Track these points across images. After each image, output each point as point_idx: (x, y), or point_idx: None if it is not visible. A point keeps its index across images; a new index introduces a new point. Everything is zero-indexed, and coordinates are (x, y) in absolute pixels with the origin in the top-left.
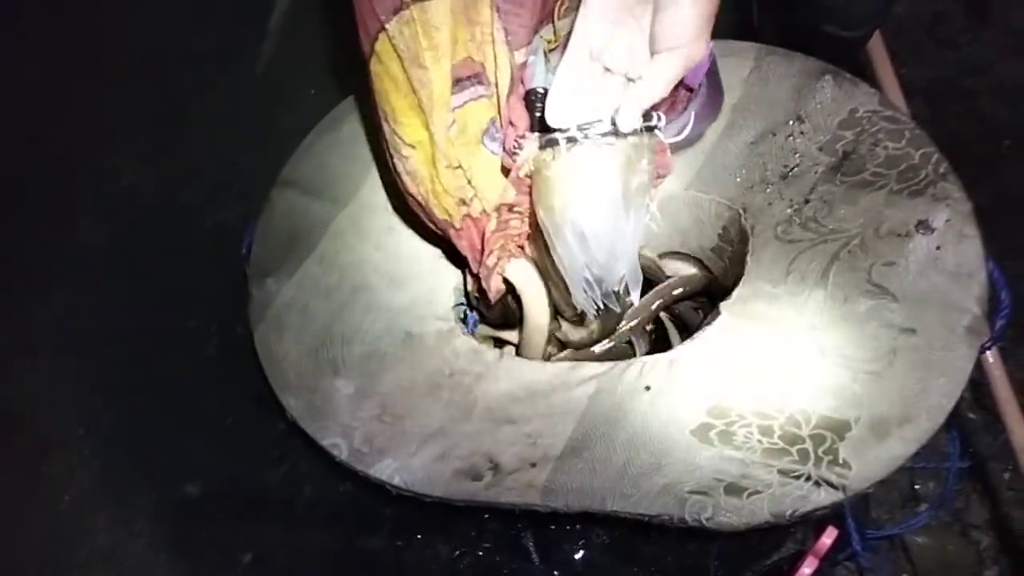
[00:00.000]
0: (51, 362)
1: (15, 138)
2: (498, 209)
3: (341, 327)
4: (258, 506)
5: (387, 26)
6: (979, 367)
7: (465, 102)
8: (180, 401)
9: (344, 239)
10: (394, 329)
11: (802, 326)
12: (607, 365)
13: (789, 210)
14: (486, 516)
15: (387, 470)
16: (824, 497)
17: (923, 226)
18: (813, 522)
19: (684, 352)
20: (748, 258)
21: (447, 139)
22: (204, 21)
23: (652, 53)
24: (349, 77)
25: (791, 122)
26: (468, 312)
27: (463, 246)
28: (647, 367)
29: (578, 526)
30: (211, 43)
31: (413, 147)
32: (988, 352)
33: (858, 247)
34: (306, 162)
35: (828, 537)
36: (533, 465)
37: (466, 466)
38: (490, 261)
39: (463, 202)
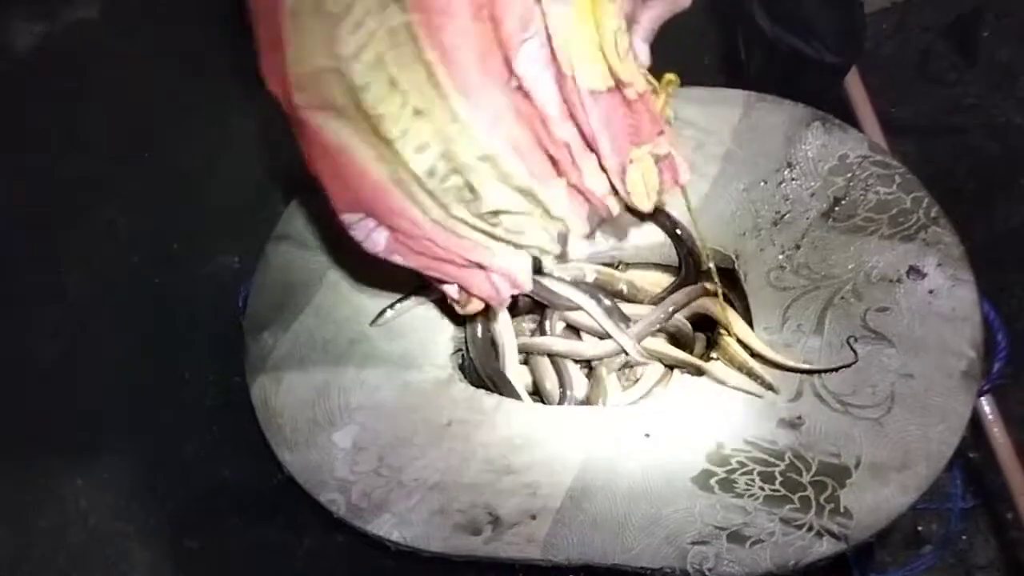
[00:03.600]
0: (48, 410)
1: (8, 188)
2: None
3: (338, 379)
4: (258, 559)
5: None
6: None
7: None
8: (177, 453)
9: (339, 291)
10: (391, 379)
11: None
12: (606, 410)
13: (781, 256)
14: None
15: (385, 525)
16: (827, 548)
17: (915, 271)
18: (819, 570)
19: (683, 398)
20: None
21: None
22: (202, 74)
23: None
24: None
25: (782, 169)
26: None
27: None
28: (646, 414)
29: None
30: (208, 97)
31: None
32: (982, 397)
33: (851, 293)
34: (301, 216)
35: None
36: (533, 517)
37: (465, 520)
38: None
39: None
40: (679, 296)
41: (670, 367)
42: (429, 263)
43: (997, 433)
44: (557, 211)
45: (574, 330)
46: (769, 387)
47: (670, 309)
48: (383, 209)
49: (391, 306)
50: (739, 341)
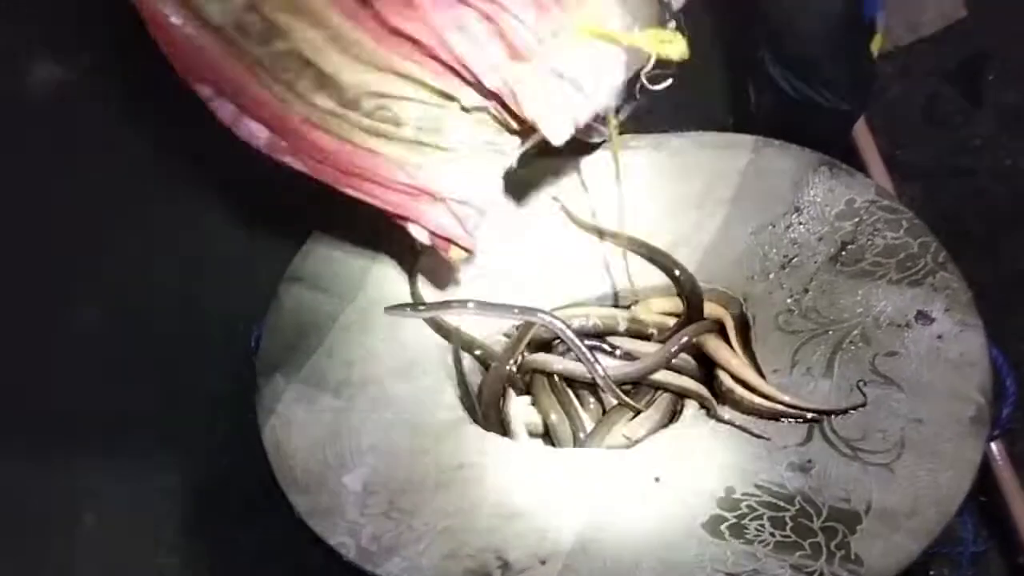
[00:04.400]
0: (54, 448)
1: (19, 221)
2: None
3: (349, 421)
4: None
5: None
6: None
7: None
8: (186, 493)
9: (351, 333)
10: (402, 421)
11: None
12: (616, 454)
13: (790, 299)
14: None
15: (395, 569)
16: None
17: (923, 316)
18: None
19: (692, 441)
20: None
21: None
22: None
23: None
24: None
25: (789, 213)
26: None
27: None
28: (656, 456)
29: None
30: (221, 135)
31: None
32: (992, 443)
33: (860, 337)
34: (313, 257)
35: None
36: (543, 562)
37: (475, 565)
38: None
39: None
40: (683, 335)
41: (678, 395)
42: (344, 179)
43: (1008, 477)
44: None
45: None
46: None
47: (673, 349)
48: (244, 95)
49: (413, 307)
50: (739, 380)
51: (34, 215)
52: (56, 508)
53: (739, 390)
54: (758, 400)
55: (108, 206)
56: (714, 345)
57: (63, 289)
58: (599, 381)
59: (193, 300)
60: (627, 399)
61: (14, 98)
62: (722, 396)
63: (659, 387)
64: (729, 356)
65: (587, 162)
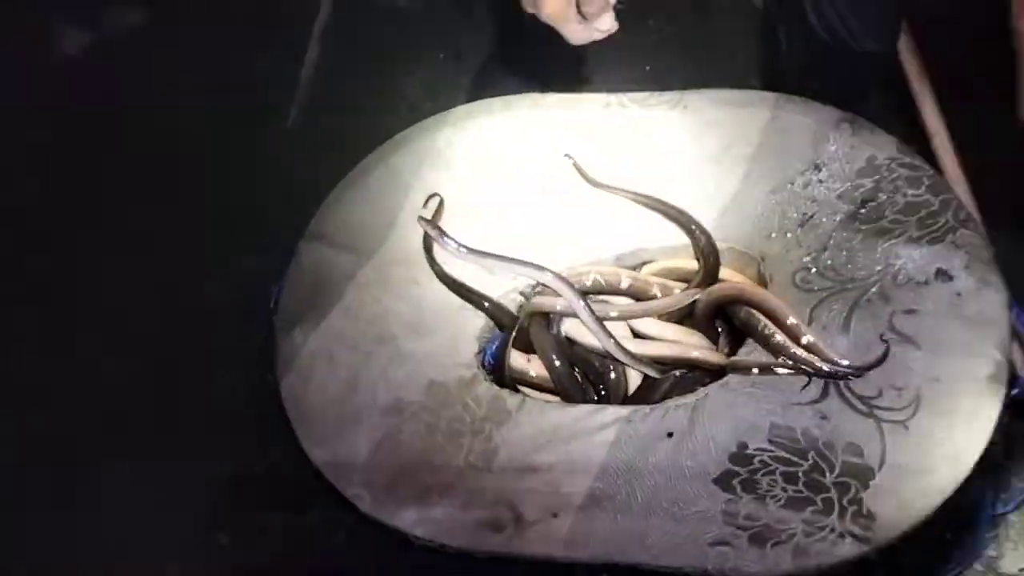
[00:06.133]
0: (73, 404)
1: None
2: None
3: (365, 377)
4: (286, 553)
5: None
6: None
7: None
8: (205, 451)
9: (369, 291)
10: (417, 378)
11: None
12: (629, 409)
13: (807, 258)
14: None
15: (409, 520)
16: (849, 549)
17: (942, 274)
18: (842, 573)
19: (707, 397)
20: None
21: None
22: (234, 72)
23: None
24: (376, 130)
25: (809, 171)
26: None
27: None
28: (670, 412)
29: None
30: (241, 94)
31: None
32: None
33: (878, 295)
34: (333, 215)
35: None
36: (555, 515)
37: (488, 516)
38: None
39: None
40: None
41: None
42: None
43: None
44: None
45: None
46: (836, 372)
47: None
48: None
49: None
50: (784, 329)
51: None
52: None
53: (779, 336)
54: (798, 350)
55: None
56: (754, 290)
57: (85, 254)
58: (605, 344)
59: (212, 257)
60: (638, 358)
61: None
62: (762, 339)
63: (665, 363)
64: (770, 297)
65: (602, 118)
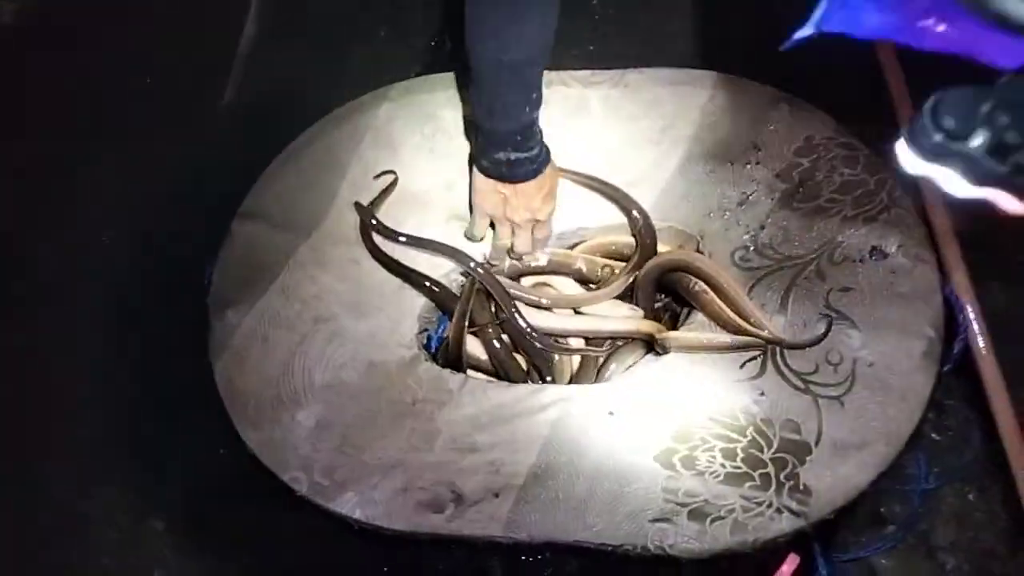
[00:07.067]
0: (14, 390)
1: None
2: None
3: (303, 358)
4: (225, 540)
5: None
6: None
7: None
8: (142, 433)
9: (306, 270)
10: (357, 359)
11: (774, 343)
12: (571, 389)
13: (746, 236)
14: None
15: (348, 504)
16: (786, 524)
17: (877, 252)
18: (779, 547)
19: (647, 376)
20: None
21: None
22: (168, 48)
23: None
24: (314, 108)
25: (748, 150)
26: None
27: None
28: (610, 391)
29: (548, 554)
30: (175, 71)
31: None
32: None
33: (815, 273)
34: (267, 193)
35: (789, 564)
36: (496, 495)
37: (428, 497)
38: None
39: None
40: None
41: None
42: None
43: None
44: None
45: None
46: (776, 341)
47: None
48: None
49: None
50: (725, 300)
51: None
52: None
53: (720, 306)
54: (740, 321)
55: (51, 150)
56: (702, 262)
57: (22, 235)
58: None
59: (144, 236)
60: (556, 345)
61: None
62: (703, 307)
63: (596, 337)
64: (718, 271)
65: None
